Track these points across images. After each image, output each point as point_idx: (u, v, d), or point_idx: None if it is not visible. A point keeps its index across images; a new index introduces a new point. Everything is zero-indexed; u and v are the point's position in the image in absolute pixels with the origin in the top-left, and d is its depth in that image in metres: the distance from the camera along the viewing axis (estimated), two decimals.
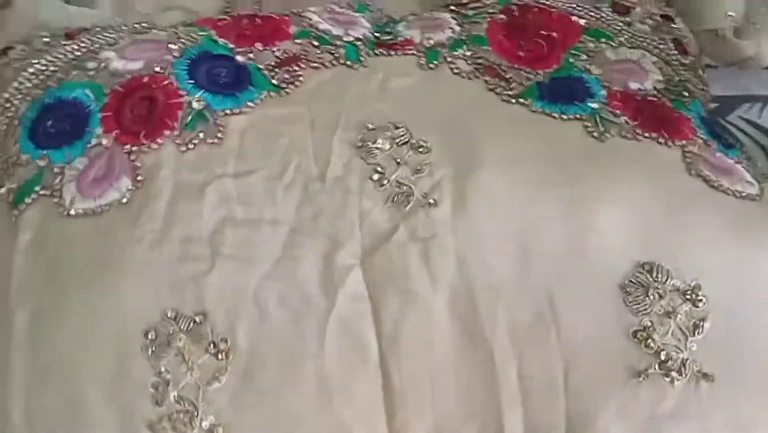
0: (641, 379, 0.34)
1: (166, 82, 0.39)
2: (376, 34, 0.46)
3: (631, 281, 0.36)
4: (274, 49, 0.42)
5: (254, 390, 0.34)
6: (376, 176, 0.38)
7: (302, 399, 0.34)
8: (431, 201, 0.37)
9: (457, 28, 0.46)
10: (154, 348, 0.34)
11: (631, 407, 0.34)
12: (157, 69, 0.40)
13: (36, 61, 0.42)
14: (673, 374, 0.35)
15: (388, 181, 0.38)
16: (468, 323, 0.35)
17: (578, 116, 0.41)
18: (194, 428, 0.33)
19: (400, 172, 0.38)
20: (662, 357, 0.35)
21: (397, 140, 0.40)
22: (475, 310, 0.35)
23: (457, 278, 0.35)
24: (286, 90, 0.41)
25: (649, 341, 0.35)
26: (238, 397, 0.33)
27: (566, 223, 0.37)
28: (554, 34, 0.45)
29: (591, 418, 0.34)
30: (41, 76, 0.42)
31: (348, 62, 0.43)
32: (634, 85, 0.43)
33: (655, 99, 0.43)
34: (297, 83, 0.41)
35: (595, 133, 0.40)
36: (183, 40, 0.42)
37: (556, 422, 0.34)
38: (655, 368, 0.35)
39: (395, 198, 0.38)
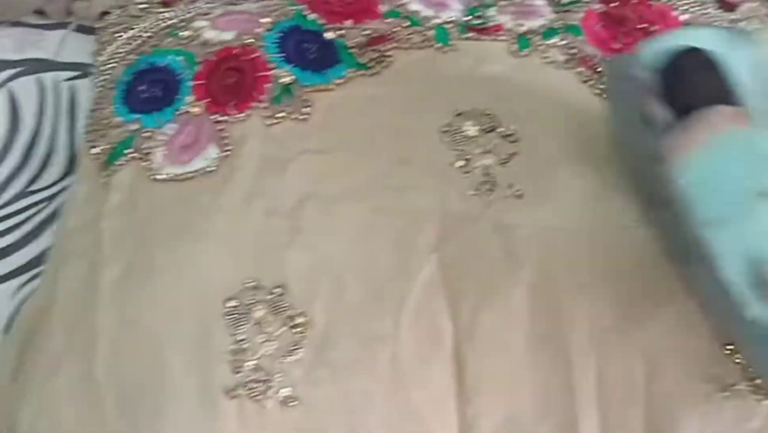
0: (727, 394, 0.33)
1: (255, 55, 0.40)
2: (467, 18, 0.45)
3: None
4: (364, 27, 0.42)
5: (328, 366, 0.34)
6: (461, 162, 0.38)
7: (375, 379, 0.34)
8: (517, 192, 0.37)
9: (551, 16, 0.44)
10: (234, 316, 0.34)
11: (715, 421, 0.32)
12: (248, 40, 0.40)
13: (132, 26, 0.43)
14: (763, 392, 0.33)
15: (474, 168, 0.37)
16: (547, 320, 0.34)
17: None
18: (269, 398, 0.33)
19: (486, 161, 0.38)
20: (751, 373, 0.33)
21: (485, 127, 0.39)
22: (556, 307, 0.34)
23: (539, 273, 0.35)
24: (375, 69, 0.40)
25: (738, 355, 0.33)
26: (313, 371, 0.33)
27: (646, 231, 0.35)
28: (654, 28, 0.43)
29: (671, 428, 0.32)
30: (136, 42, 0.42)
31: (438, 44, 0.42)
32: None
33: None
34: (385, 63, 0.41)
35: None
36: (275, 14, 0.42)
37: (634, 429, 0.33)
38: (743, 384, 0.33)
39: (479, 186, 0.37)
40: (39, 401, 0.34)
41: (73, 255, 0.38)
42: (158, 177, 0.37)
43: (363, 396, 0.33)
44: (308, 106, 0.39)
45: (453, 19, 0.44)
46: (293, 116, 0.38)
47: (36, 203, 0.46)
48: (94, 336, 0.34)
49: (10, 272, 0.43)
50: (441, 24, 0.43)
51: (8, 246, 0.44)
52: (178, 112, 0.39)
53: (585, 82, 0.41)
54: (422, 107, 0.39)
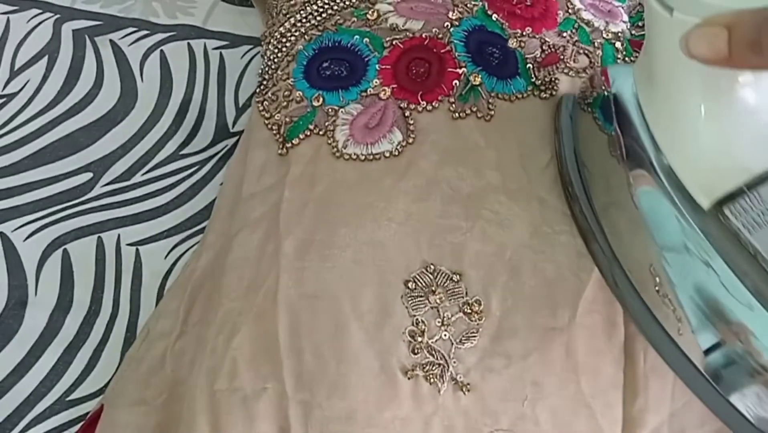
0: None
1: (445, 50, 0.40)
2: (633, 32, 0.45)
3: None
4: (542, 37, 0.42)
5: (503, 354, 0.34)
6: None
7: (547, 369, 0.34)
8: None
9: None
10: (412, 297, 0.35)
11: None
12: (437, 34, 0.41)
13: (313, 1, 0.43)
14: None
15: None
16: None
17: None
18: (445, 382, 0.34)
19: None
20: None
21: None
22: None
23: None
24: (545, 94, 0.40)
25: None
26: (487, 359, 0.34)
27: None
28: None
29: None
30: (319, 17, 0.43)
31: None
32: None
33: None
34: (554, 90, 0.40)
35: None
36: (459, 9, 0.42)
37: None
38: None
39: None
40: (215, 359, 0.35)
41: (251, 221, 0.38)
42: (343, 155, 0.38)
43: (534, 385, 0.34)
44: (493, 109, 0.39)
45: (621, 32, 0.44)
46: (478, 115, 0.39)
47: (188, 166, 0.47)
48: (275, 304, 0.35)
49: (163, 232, 0.45)
50: (609, 40, 0.43)
51: (160, 206, 0.46)
52: (364, 94, 0.39)
53: None
54: None
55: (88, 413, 0.39)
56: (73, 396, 0.39)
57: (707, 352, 0.30)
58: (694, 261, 0.29)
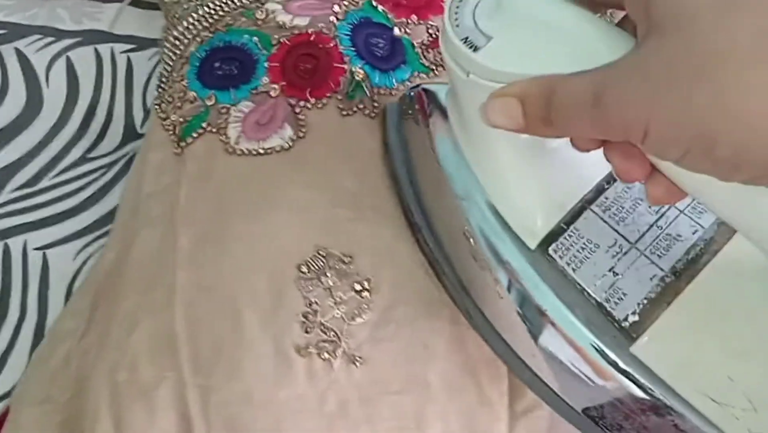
0: None
1: (331, 45, 0.42)
2: None
3: None
4: (429, 23, 0.44)
5: (391, 323, 0.36)
6: None
7: (436, 333, 0.36)
8: None
9: None
10: (305, 281, 0.36)
11: None
12: (323, 29, 0.42)
13: (205, 3, 0.44)
14: None
15: None
16: None
17: None
18: (337, 357, 0.35)
19: None
20: None
21: None
22: None
23: None
24: (435, 72, 0.42)
25: None
26: (378, 331, 0.36)
27: None
28: None
29: None
30: (210, 20, 0.44)
31: None
32: None
33: None
34: (444, 67, 0.42)
35: None
36: (345, 3, 0.44)
37: None
38: None
39: None
40: (116, 354, 0.36)
41: (150, 220, 0.39)
42: (234, 150, 0.39)
43: (424, 348, 0.36)
44: (377, 107, 0.41)
45: None
46: (365, 112, 0.41)
47: (95, 170, 0.48)
48: (172, 296, 0.36)
49: (73, 234, 0.45)
50: None
51: (70, 209, 0.46)
52: (254, 92, 0.41)
53: None
54: None
55: None
56: None
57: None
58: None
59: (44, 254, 0.44)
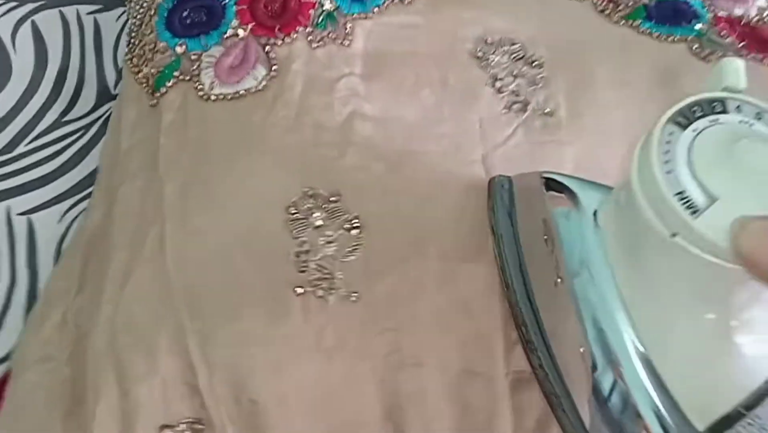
0: None
1: None
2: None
3: None
4: None
5: (383, 261, 0.36)
6: (497, 84, 0.41)
7: (426, 271, 0.36)
8: (547, 111, 0.40)
9: None
10: (295, 222, 0.36)
11: None
12: None
13: None
14: None
15: (506, 90, 0.40)
16: None
17: (685, 38, 0.43)
18: (332, 294, 0.35)
19: (517, 83, 0.41)
20: None
21: (513, 55, 0.42)
22: None
23: None
24: None
25: None
26: (369, 268, 0.36)
27: None
28: None
29: None
30: None
31: None
32: (739, 11, 0.45)
33: (760, 24, 0.44)
34: None
35: (701, 54, 0.42)
36: None
37: None
38: None
39: (512, 105, 0.40)
40: (111, 307, 0.36)
41: (131, 174, 0.39)
42: (211, 97, 0.39)
43: (415, 286, 0.36)
44: (350, 33, 0.41)
45: None
46: (337, 42, 0.40)
47: (72, 132, 0.48)
48: (163, 244, 0.36)
49: (55, 198, 0.45)
50: None
51: (49, 173, 0.46)
52: (224, 36, 0.40)
53: (601, 12, 0.44)
54: (454, 36, 0.42)
55: None
56: None
57: None
58: None
59: (29, 219, 0.44)
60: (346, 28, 0.41)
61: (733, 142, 0.21)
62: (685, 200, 0.21)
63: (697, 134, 0.22)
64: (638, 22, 0.44)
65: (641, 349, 0.26)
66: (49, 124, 0.47)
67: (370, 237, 0.37)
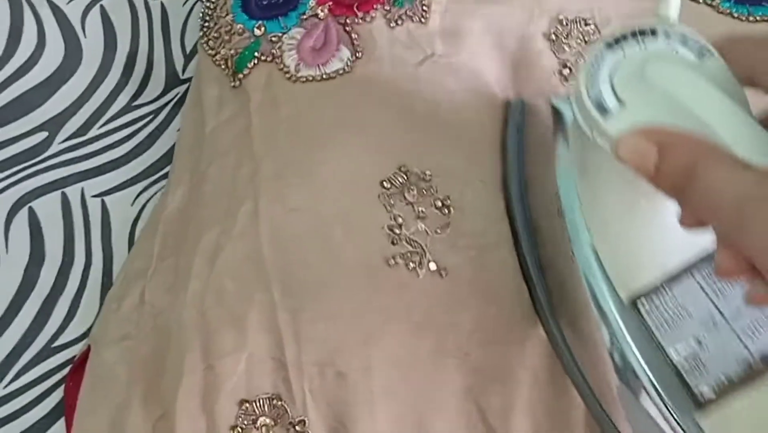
0: None
1: None
2: None
3: None
4: None
5: (472, 244, 0.36)
6: (564, 71, 0.40)
7: (510, 253, 0.36)
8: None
9: None
10: (389, 195, 0.36)
11: None
12: None
13: None
14: None
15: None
16: None
17: (766, 17, 0.42)
18: (423, 267, 0.35)
19: None
20: None
21: (586, 38, 0.41)
22: None
23: None
24: None
25: None
26: (458, 247, 0.36)
27: None
28: None
29: None
30: None
31: None
32: None
33: None
34: None
35: None
36: None
37: None
38: None
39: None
40: (200, 283, 0.35)
41: (220, 153, 0.39)
42: (296, 78, 0.39)
43: (500, 267, 0.36)
44: (426, 10, 0.40)
45: None
46: (414, 20, 0.40)
47: (142, 117, 0.48)
48: (256, 221, 0.36)
49: (128, 180, 0.45)
50: None
51: (120, 157, 0.46)
52: (303, 17, 0.40)
53: None
54: (531, 13, 0.41)
55: (74, 356, 0.40)
56: (57, 343, 0.40)
57: None
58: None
59: (102, 201, 0.44)
60: (422, 6, 0.40)
61: (650, 63, 0.26)
62: (599, 105, 0.26)
63: (625, 55, 0.27)
64: (718, 1, 0.43)
65: (588, 238, 0.31)
66: (120, 107, 0.47)
67: (458, 216, 0.36)
